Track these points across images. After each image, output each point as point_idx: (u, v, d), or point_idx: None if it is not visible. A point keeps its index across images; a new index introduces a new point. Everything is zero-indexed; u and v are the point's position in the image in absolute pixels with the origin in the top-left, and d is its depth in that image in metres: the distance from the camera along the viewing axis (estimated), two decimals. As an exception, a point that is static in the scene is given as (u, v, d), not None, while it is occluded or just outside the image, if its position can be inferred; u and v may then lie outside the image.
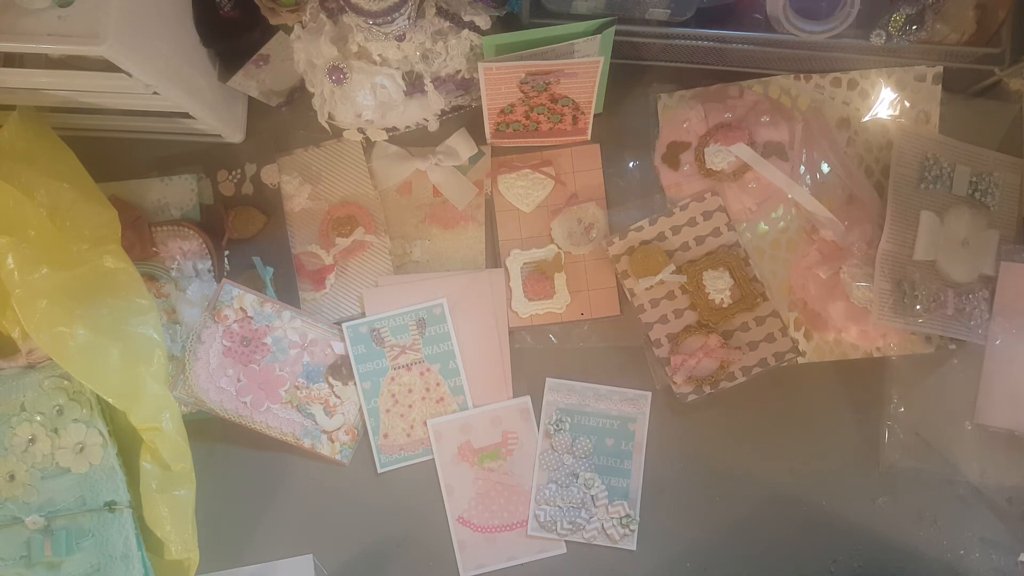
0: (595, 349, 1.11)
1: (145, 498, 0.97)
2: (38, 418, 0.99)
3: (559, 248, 1.11)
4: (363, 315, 1.11)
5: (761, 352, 1.06)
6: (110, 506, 0.99)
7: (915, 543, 1.07)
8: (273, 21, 0.99)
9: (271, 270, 1.10)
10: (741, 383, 1.06)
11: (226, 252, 1.11)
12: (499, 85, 1.01)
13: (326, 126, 1.08)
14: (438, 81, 1.04)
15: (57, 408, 1.00)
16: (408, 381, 1.10)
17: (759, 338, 1.06)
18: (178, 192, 1.12)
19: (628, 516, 1.06)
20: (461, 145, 1.12)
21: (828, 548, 1.07)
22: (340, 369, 1.09)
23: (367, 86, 0.99)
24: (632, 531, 1.06)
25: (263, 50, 1.04)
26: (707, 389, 1.06)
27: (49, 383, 1.00)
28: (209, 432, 1.09)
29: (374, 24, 0.92)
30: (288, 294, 1.10)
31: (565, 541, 1.07)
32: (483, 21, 0.99)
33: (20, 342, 1.00)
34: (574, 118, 1.08)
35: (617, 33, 0.99)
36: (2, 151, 0.96)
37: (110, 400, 0.94)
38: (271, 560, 1.07)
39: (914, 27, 0.97)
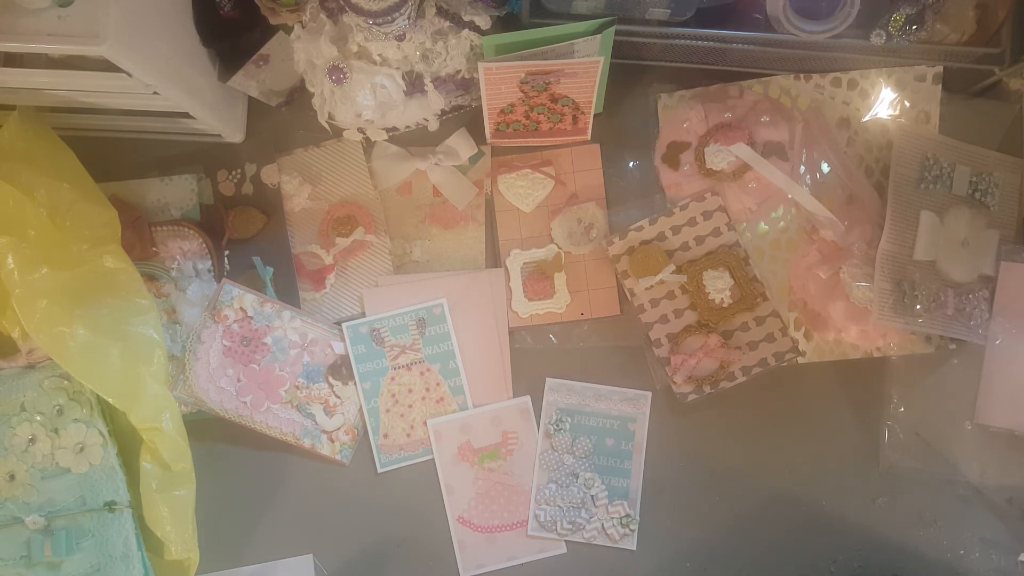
0: (595, 349, 1.11)
1: (145, 498, 0.97)
2: (38, 418, 0.99)
3: (559, 248, 1.11)
4: (363, 315, 1.11)
5: (761, 352, 1.06)
6: (110, 506, 0.99)
7: (915, 543, 1.07)
8: (273, 21, 0.99)
9: (271, 270, 1.10)
10: (741, 383, 1.06)
11: (226, 252, 1.11)
12: (499, 85, 1.01)
13: (326, 126, 1.08)
14: (438, 81, 1.04)
15: (57, 408, 1.00)
16: (408, 381, 1.10)
17: (759, 338, 1.06)
18: (178, 192, 1.12)
19: (628, 516, 1.06)
20: (461, 145, 1.12)
21: (828, 548, 1.07)
22: (340, 369, 1.09)
23: (367, 86, 0.99)
24: (632, 531, 1.06)
25: (263, 50, 1.04)
26: (707, 389, 1.06)
27: (49, 383, 1.00)
28: (209, 432, 1.08)
29: (374, 24, 0.92)
30: (288, 294, 1.10)
31: (565, 541, 1.07)
32: (483, 21, 0.99)
33: (20, 342, 1.00)
34: (574, 118, 1.08)
35: (617, 33, 0.99)
36: (2, 151, 0.96)
37: (110, 400, 0.94)
38: (271, 560, 1.07)
39: (914, 27, 0.97)
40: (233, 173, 1.13)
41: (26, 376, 1.00)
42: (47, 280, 0.92)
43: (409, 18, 0.93)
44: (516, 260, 1.11)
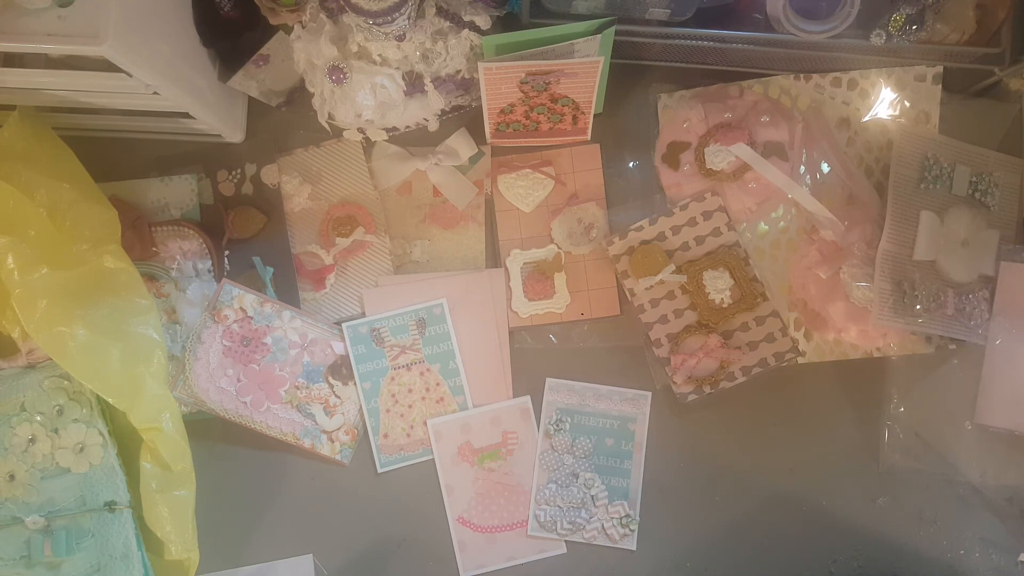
0: (595, 349, 1.11)
1: (145, 498, 0.97)
2: (38, 418, 0.99)
3: (559, 248, 1.11)
4: (363, 315, 1.11)
5: (761, 352, 1.06)
6: (110, 506, 0.99)
7: (915, 543, 1.07)
8: (273, 21, 0.99)
9: (271, 270, 1.10)
10: (741, 383, 1.06)
11: (226, 252, 1.11)
12: (499, 85, 1.01)
13: (326, 126, 1.08)
14: (438, 81, 1.04)
15: (57, 408, 1.00)
16: (408, 381, 1.10)
17: (759, 338, 1.06)
18: (178, 192, 1.12)
19: (628, 516, 1.06)
20: (461, 145, 1.12)
21: (828, 548, 1.07)
22: (340, 369, 1.09)
23: (367, 86, 0.99)
24: (632, 531, 1.06)
25: (263, 50, 1.04)
26: (707, 389, 1.06)
27: (49, 383, 1.00)
28: (209, 432, 1.09)
29: (374, 24, 0.92)
30: (288, 294, 1.10)
31: (565, 541, 1.07)
32: (483, 21, 0.99)
33: (20, 342, 1.00)
34: (574, 118, 1.08)
35: (617, 33, 0.99)
36: (2, 151, 0.96)
37: (110, 400, 0.94)
38: (271, 560, 1.07)
39: (914, 27, 0.98)
40: (233, 173, 1.13)
41: (26, 376, 1.00)
42: (47, 280, 0.92)
43: (409, 18, 0.93)
44: (516, 260, 1.11)
